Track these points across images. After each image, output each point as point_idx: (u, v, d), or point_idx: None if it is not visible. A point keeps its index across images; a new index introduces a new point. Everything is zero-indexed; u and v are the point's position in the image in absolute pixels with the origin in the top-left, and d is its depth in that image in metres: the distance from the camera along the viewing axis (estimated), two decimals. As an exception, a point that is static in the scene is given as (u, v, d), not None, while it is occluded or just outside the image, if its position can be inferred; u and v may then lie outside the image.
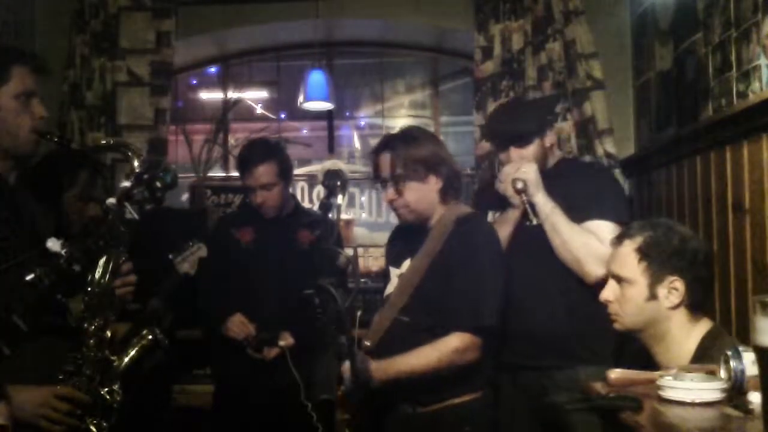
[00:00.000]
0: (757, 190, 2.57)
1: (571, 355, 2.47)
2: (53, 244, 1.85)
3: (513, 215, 2.60)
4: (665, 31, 3.50)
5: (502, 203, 2.64)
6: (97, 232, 1.99)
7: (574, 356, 2.46)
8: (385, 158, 2.32)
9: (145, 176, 2.02)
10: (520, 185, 2.51)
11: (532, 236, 2.53)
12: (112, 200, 1.96)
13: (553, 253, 2.51)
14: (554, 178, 2.59)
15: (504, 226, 2.60)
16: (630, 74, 4.05)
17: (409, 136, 2.38)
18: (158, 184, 2.03)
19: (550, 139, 2.67)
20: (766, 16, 2.51)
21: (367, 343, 2.24)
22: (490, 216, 2.71)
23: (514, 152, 2.62)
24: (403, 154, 2.29)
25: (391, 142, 2.35)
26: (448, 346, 2.19)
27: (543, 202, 2.51)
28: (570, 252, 2.46)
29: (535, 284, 2.52)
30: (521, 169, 2.53)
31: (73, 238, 1.95)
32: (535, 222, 2.52)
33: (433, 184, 2.33)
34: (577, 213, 2.51)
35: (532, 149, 2.61)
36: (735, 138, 2.74)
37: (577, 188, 2.59)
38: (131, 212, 1.99)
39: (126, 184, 1.98)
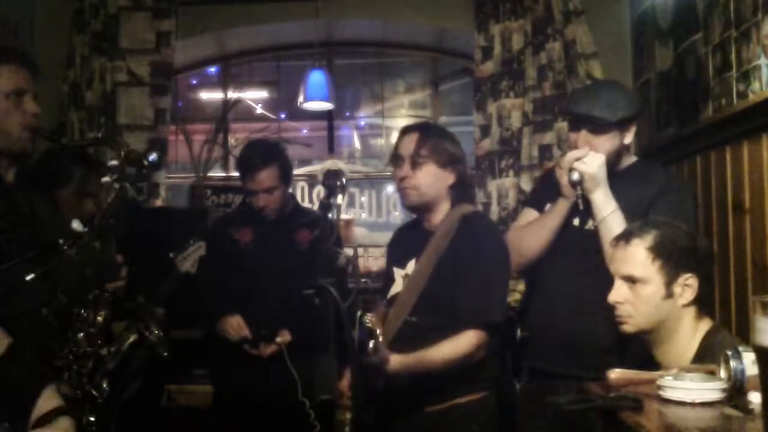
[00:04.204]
0: (757, 190, 2.57)
1: (607, 366, 2.10)
2: (77, 225, 1.90)
3: (562, 206, 2.37)
4: (665, 31, 3.50)
5: (558, 195, 2.40)
6: (104, 211, 2.05)
7: (611, 367, 2.11)
8: (412, 137, 2.36)
9: (132, 155, 2.09)
10: (576, 176, 2.28)
11: (581, 237, 2.37)
12: (107, 179, 2.02)
13: (600, 259, 2.25)
14: (625, 179, 2.36)
15: (551, 217, 2.40)
16: (630, 74, 4.05)
17: (440, 127, 2.54)
18: (145, 162, 2.09)
19: (629, 135, 2.39)
20: (766, 16, 2.51)
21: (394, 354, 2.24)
22: (547, 207, 2.48)
23: (585, 137, 2.35)
24: (432, 137, 2.35)
25: (422, 125, 2.45)
26: (465, 343, 2.20)
27: (602, 201, 2.28)
28: None
29: (575, 290, 2.35)
30: (584, 158, 2.29)
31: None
32: (590, 226, 2.32)
33: (448, 176, 2.36)
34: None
35: (605, 140, 2.33)
36: (735, 138, 2.74)
37: (650, 194, 2.34)
38: (130, 190, 2.04)
39: (114, 162, 2.04)
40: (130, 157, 2.09)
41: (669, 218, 2.12)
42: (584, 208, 2.33)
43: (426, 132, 2.38)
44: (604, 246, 2.28)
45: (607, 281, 2.22)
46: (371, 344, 1.99)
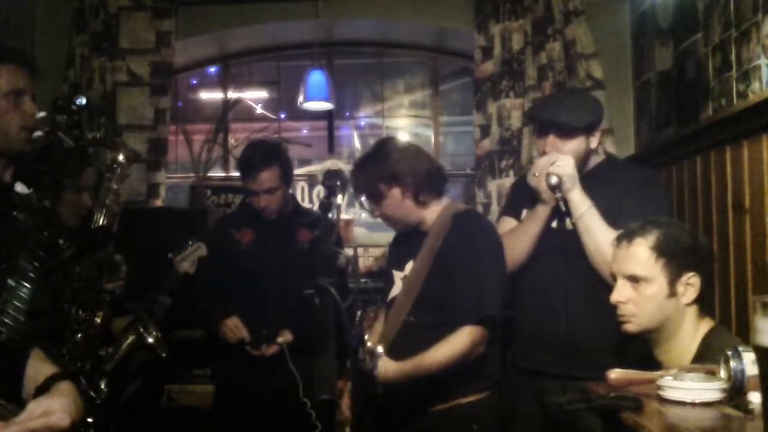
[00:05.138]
0: (757, 190, 2.57)
1: (596, 365, 2.12)
2: (21, 188, 1.89)
3: (543, 212, 2.42)
4: (665, 31, 3.50)
5: (534, 200, 2.45)
6: (46, 165, 2.02)
7: (600, 366, 2.05)
8: (354, 184, 2.44)
9: (60, 102, 2.06)
10: (554, 180, 2.32)
11: (562, 237, 2.39)
12: (39, 133, 1.99)
13: (583, 257, 2.33)
14: (595, 179, 2.42)
15: (532, 224, 2.44)
16: (630, 74, 4.05)
17: (364, 161, 2.47)
18: (74, 107, 2.07)
19: (595, 140, 2.45)
20: (766, 16, 2.52)
21: (380, 349, 2.25)
22: (524, 213, 2.53)
23: (552, 141, 2.41)
24: (361, 181, 2.41)
25: (354, 171, 2.46)
26: (460, 342, 2.21)
27: (579, 199, 2.34)
28: (603, 256, 2.21)
29: (562, 290, 2.32)
30: (557, 162, 2.34)
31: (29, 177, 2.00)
32: (568, 225, 2.36)
33: (399, 194, 2.36)
34: (615, 217, 2.28)
35: (573, 144, 2.40)
36: (735, 138, 2.74)
37: (619, 191, 2.40)
38: (66, 140, 2.02)
39: (42, 114, 2.01)
40: (58, 105, 2.06)
41: (640, 213, 2.15)
42: (565, 210, 2.36)
43: (357, 176, 2.41)
44: (584, 242, 2.33)
45: (584, 277, 2.30)
46: (360, 352, 2.00)
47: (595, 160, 2.52)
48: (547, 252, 2.44)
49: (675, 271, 1.90)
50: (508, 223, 2.61)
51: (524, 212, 2.54)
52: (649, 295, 1.91)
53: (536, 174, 2.40)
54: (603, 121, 2.56)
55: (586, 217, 2.33)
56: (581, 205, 2.34)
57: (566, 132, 2.40)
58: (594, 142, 2.46)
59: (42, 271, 1.91)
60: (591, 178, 2.42)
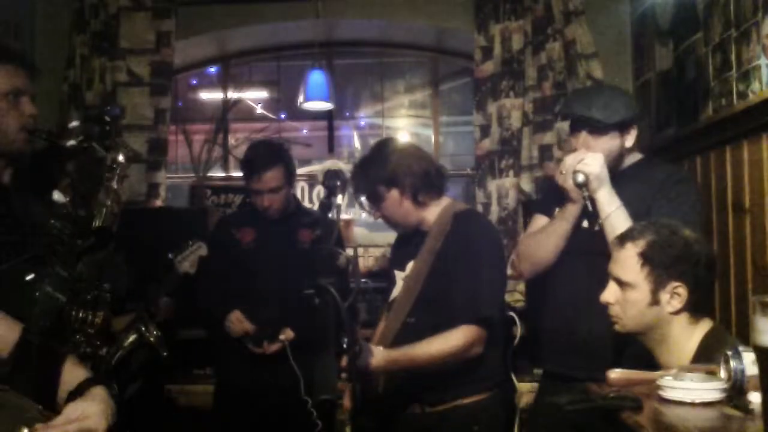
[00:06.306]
0: (757, 190, 2.57)
1: (620, 368, 2.05)
2: (59, 196, 1.90)
3: (572, 211, 2.37)
4: (665, 31, 3.50)
5: (564, 198, 2.39)
6: (78, 175, 2.03)
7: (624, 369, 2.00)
8: (354, 189, 2.46)
9: (93, 112, 2.07)
10: (581, 178, 2.27)
11: (591, 237, 2.34)
12: (73, 142, 1.99)
13: (609, 258, 2.23)
14: (628, 178, 2.36)
15: (561, 223, 2.39)
16: (630, 74, 4.05)
17: (362, 163, 2.47)
18: (106, 117, 2.08)
19: (630, 139, 2.38)
20: (766, 16, 2.52)
21: (380, 348, 2.25)
22: (556, 212, 2.46)
23: (584, 139, 2.35)
24: (359, 184, 2.42)
25: (352, 174, 2.46)
26: (455, 339, 2.20)
27: (607, 199, 2.28)
28: None
29: (587, 291, 2.27)
30: (584, 160, 2.29)
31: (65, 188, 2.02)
32: (596, 227, 2.31)
33: (398, 196, 2.36)
34: (645, 218, 2.18)
35: (605, 141, 2.34)
36: (735, 138, 2.74)
37: (651, 191, 2.32)
38: (99, 150, 2.03)
39: (75, 123, 2.02)
40: (91, 116, 2.07)
41: (670, 212, 2.11)
42: (592, 209, 2.31)
43: (356, 179, 2.41)
44: (610, 243, 2.24)
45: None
46: (347, 348, 2.00)
47: (631, 159, 2.45)
48: (575, 252, 2.39)
49: (659, 280, 1.86)
50: (539, 221, 2.55)
51: (556, 210, 2.48)
52: (631, 300, 1.89)
53: (563, 172, 2.35)
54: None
55: (613, 217, 2.26)
56: (609, 205, 2.28)
57: (598, 129, 2.34)
58: (629, 141, 2.38)
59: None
60: (624, 178, 2.36)
